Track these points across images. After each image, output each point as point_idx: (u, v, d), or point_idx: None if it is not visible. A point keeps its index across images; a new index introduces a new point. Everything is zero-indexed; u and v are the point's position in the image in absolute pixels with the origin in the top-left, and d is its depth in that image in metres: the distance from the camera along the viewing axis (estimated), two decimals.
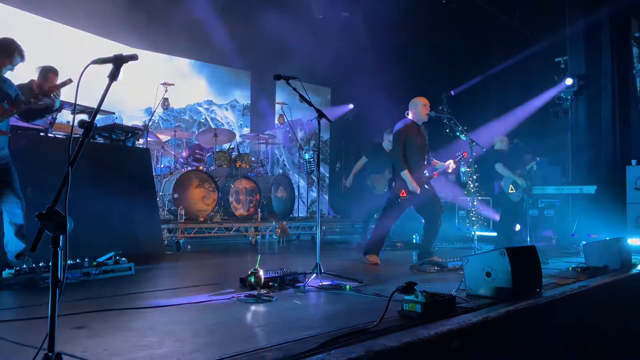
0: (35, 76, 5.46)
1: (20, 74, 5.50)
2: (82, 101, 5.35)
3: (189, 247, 7.12)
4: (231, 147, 9.22)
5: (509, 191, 7.48)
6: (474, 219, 5.75)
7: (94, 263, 4.08)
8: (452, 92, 12.57)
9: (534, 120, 10.86)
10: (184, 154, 8.80)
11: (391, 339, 2.25)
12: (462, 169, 5.72)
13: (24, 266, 3.77)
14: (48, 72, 5.64)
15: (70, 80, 4.40)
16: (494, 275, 3.41)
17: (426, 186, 5.50)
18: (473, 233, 5.66)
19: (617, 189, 8.34)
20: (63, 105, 5.09)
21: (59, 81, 5.56)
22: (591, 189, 8.17)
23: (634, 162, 8.21)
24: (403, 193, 5.40)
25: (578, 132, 9.52)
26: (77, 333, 2.40)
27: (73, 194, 1.76)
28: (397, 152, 5.49)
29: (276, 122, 11.99)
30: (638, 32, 9.80)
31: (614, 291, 4.40)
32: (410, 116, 5.63)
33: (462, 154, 5.58)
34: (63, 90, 4.74)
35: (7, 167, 4.20)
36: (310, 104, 4.21)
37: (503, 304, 3.11)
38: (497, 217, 8.28)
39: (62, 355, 1.68)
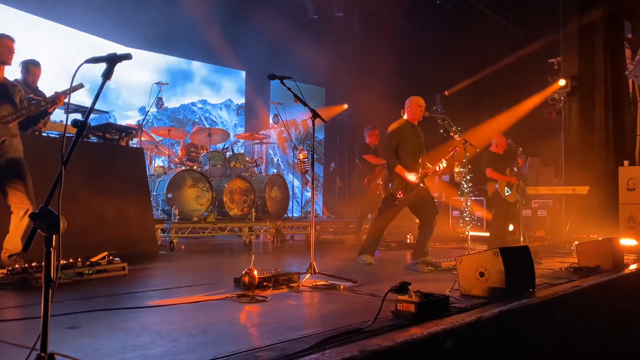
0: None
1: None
2: (75, 100, 5.35)
3: (182, 247, 7.10)
4: (225, 146, 9.20)
5: (505, 194, 7.50)
6: (467, 219, 5.77)
7: (87, 263, 4.06)
8: (446, 93, 12.60)
9: (527, 120, 10.91)
10: (179, 153, 8.77)
11: (385, 339, 2.25)
12: (456, 169, 5.73)
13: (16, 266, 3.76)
14: (29, 65, 5.63)
15: (81, 85, 4.31)
16: (487, 275, 3.42)
17: (421, 185, 5.50)
18: (467, 233, 5.68)
19: (609, 189, 8.39)
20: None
21: (40, 74, 5.56)
22: (584, 190, 8.21)
23: (626, 162, 8.26)
24: (400, 194, 5.39)
25: (571, 132, 9.57)
26: (70, 333, 2.39)
27: (66, 193, 1.75)
28: (389, 151, 5.49)
29: (270, 122, 11.99)
30: (631, 33, 9.86)
31: (606, 291, 4.42)
32: (405, 116, 5.64)
33: (455, 150, 5.58)
34: (56, 90, 4.71)
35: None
36: (305, 104, 4.21)
37: (496, 304, 3.12)
38: (490, 217, 8.32)
39: (55, 356, 1.67)
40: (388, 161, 5.58)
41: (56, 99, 4.24)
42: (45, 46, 8.99)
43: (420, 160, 5.59)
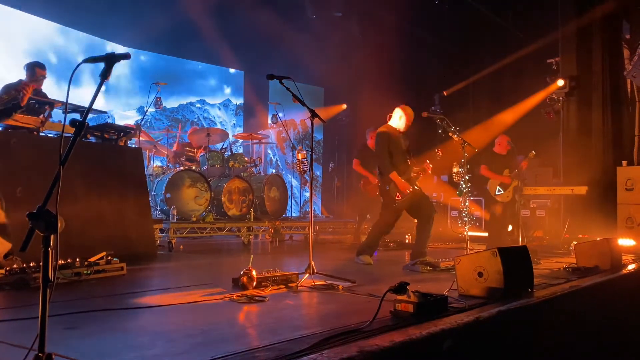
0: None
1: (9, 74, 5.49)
2: (73, 100, 5.35)
3: (181, 247, 7.09)
4: (224, 146, 9.19)
5: (496, 193, 7.50)
6: (466, 219, 5.77)
7: (86, 263, 4.05)
8: (445, 93, 12.61)
9: (526, 121, 10.92)
10: (174, 149, 8.74)
11: (383, 339, 2.25)
12: (454, 170, 5.73)
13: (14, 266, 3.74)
14: (34, 67, 5.62)
15: (44, 77, 4.26)
16: (485, 275, 3.42)
17: (415, 187, 5.49)
18: (465, 233, 5.68)
19: (608, 189, 8.40)
20: (55, 104, 5.05)
21: (46, 73, 5.54)
22: (582, 190, 8.22)
23: (624, 163, 8.27)
24: (398, 196, 5.37)
25: (569, 132, 9.59)
26: (68, 333, 2.39)
27: (64, 193, 1.75)
28: (383, 156, 5.46)
29: (269, 122, 11.99)
30: (629, 33, 9.87)
31: (604, 291, 4.43)
32: (393, 122, 5.61)
33: (437, 153, 5.61)
34: (55, 90, 4.69)
35: None
36: (303, 104, 4.21)
37: (495, 304, 3.12)
38: (488, 217, 8.32)
39: (53, 356, 1.67)
40: (381, 166, 5.54)
41: (21, 89, 4.16)
42: (44, 46, 8.98)
43: (409, 163, 5.56)
